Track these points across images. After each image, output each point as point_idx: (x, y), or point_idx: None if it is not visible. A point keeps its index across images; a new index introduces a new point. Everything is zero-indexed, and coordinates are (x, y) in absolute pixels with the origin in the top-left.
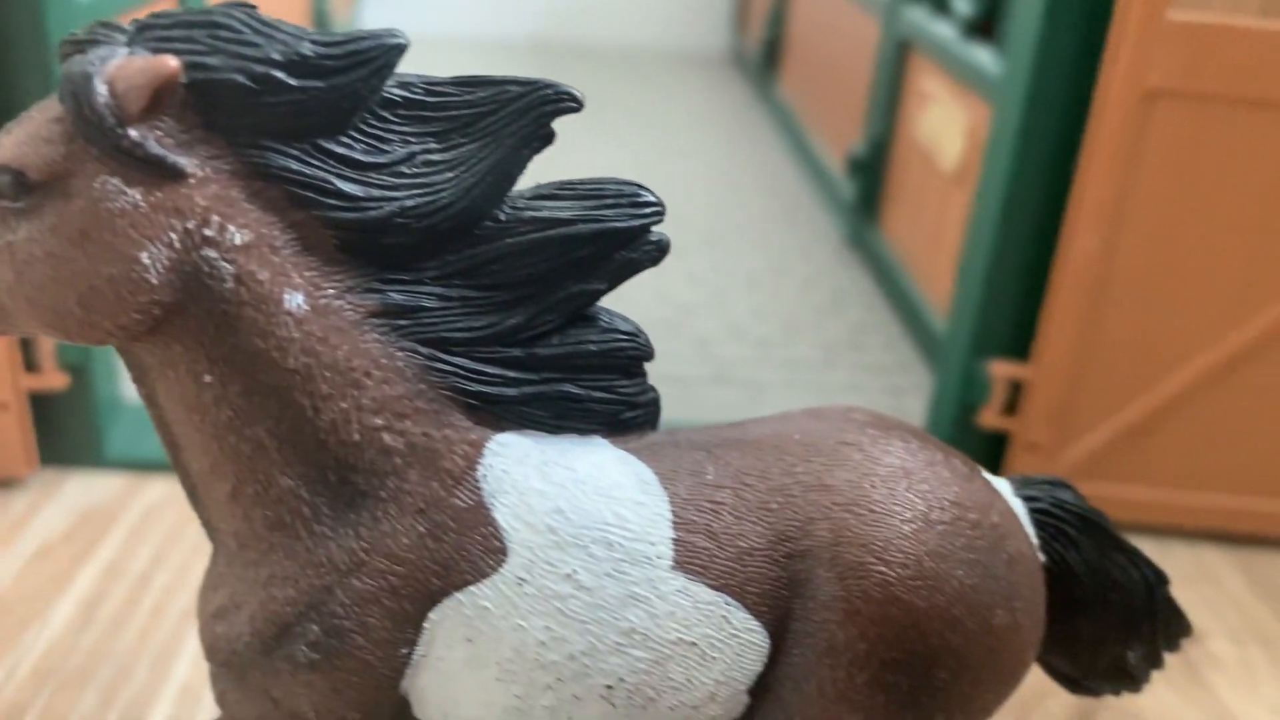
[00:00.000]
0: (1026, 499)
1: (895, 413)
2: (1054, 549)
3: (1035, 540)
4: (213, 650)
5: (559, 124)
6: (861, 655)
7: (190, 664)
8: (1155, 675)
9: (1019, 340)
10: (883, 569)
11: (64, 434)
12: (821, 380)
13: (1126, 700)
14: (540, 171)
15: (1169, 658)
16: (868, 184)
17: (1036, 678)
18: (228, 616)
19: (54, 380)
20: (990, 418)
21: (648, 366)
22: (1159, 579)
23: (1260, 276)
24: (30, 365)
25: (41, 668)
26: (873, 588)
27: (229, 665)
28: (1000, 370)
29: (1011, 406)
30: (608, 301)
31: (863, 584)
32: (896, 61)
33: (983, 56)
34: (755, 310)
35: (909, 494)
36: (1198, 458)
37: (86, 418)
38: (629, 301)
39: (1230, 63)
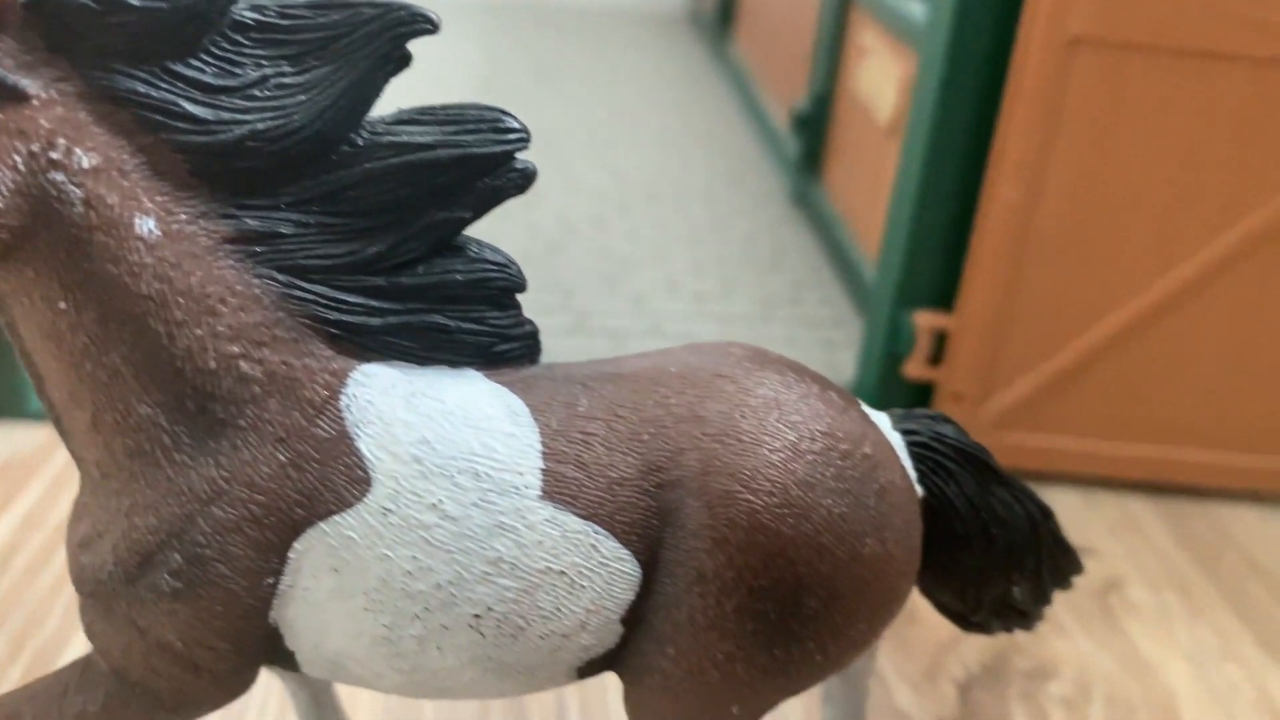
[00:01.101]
0: (905, 432)
1: (827, 366)
2: (933, 482)
3: (913, 473)
4: (79, 580)
5: (510, 84)
6: (730, 583)
7: None
8: (1071, 621)
9: (944, 291)
10: (750, 497)
11: None
12: (756, 334)
13: (1041, 646)
14: None
15: (1088, 606)
16: (811, 140)
17: (950, 625)
18: (92, 546)
19: None
20: (915, 368)
21: (582, 316)
22: (1044, 514)
23: (1182, 227)
24: None
25: None
26: (739, 516)
27: (95, 595)
28: (924, 320)
29: (937, 357)
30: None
31: (730, 512)
32: (838, 16)
33: (915, 8)
34: (695, 266)
35: (779, 424)
36: (1123, 408)
37: (7, 370)
38: (567, 256)
39: (1151, 11)
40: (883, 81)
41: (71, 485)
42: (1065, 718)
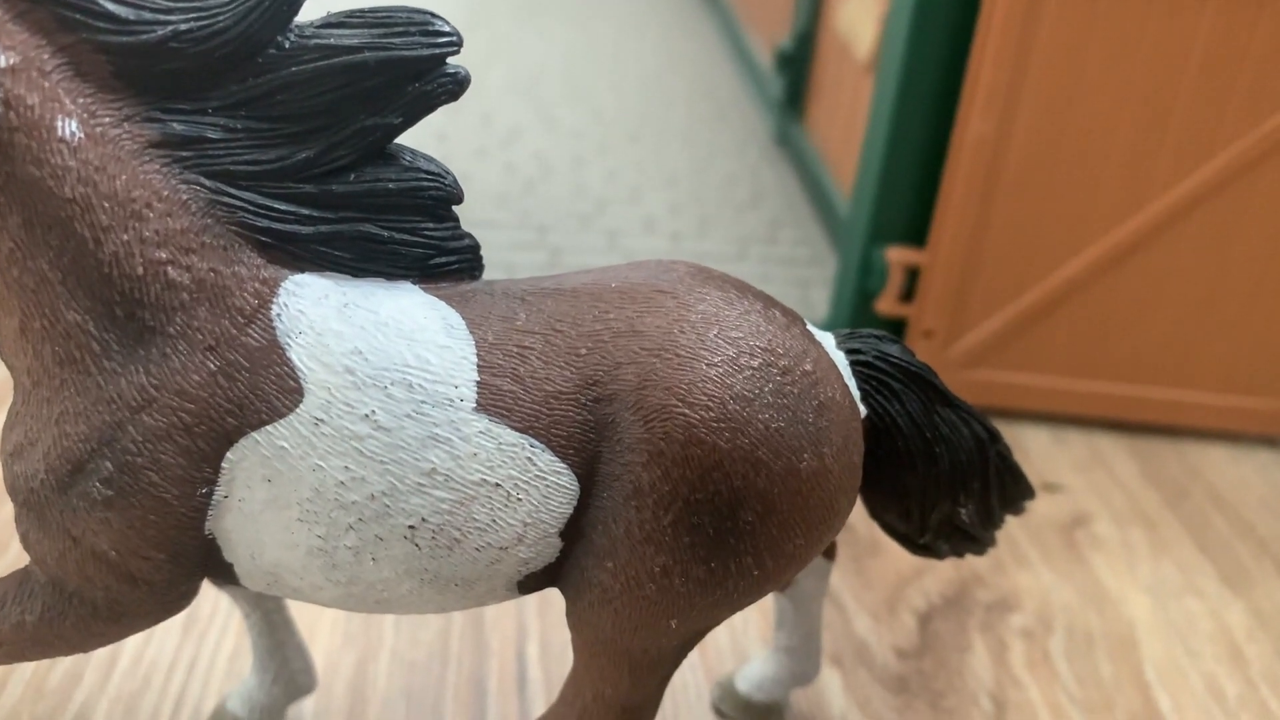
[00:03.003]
0: (850, 351)
1: (801, 304)
2: (877, 401)
3: (856, 392)
4: (13, 489)
5: (491, 24)
6: (666, 496)
7: None
8: (1036, 555)
9: (915, 227)
10: (685, 411)
11: None
12: (729, 272)
13: (1004, 578)
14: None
15: (1054, 540)
16: (794, 79)
17: (912, 557)
18: (24, 454)
19: None
20: (887, 304)
21: (556, 252)
22: (990, 436)
23: (1151, 164)
24: None
25: None
26: (675, 429)
27: (28, 504)
28: (896, 256)
29: (909, 293)
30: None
31: (665, 426)
32: None
33: None
34: (673, 205)
35: (718, 340)
36: (1092, 346)
37: None
38: (544, 195)
39: None
40: (862, 18)
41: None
42: (1024, 648)
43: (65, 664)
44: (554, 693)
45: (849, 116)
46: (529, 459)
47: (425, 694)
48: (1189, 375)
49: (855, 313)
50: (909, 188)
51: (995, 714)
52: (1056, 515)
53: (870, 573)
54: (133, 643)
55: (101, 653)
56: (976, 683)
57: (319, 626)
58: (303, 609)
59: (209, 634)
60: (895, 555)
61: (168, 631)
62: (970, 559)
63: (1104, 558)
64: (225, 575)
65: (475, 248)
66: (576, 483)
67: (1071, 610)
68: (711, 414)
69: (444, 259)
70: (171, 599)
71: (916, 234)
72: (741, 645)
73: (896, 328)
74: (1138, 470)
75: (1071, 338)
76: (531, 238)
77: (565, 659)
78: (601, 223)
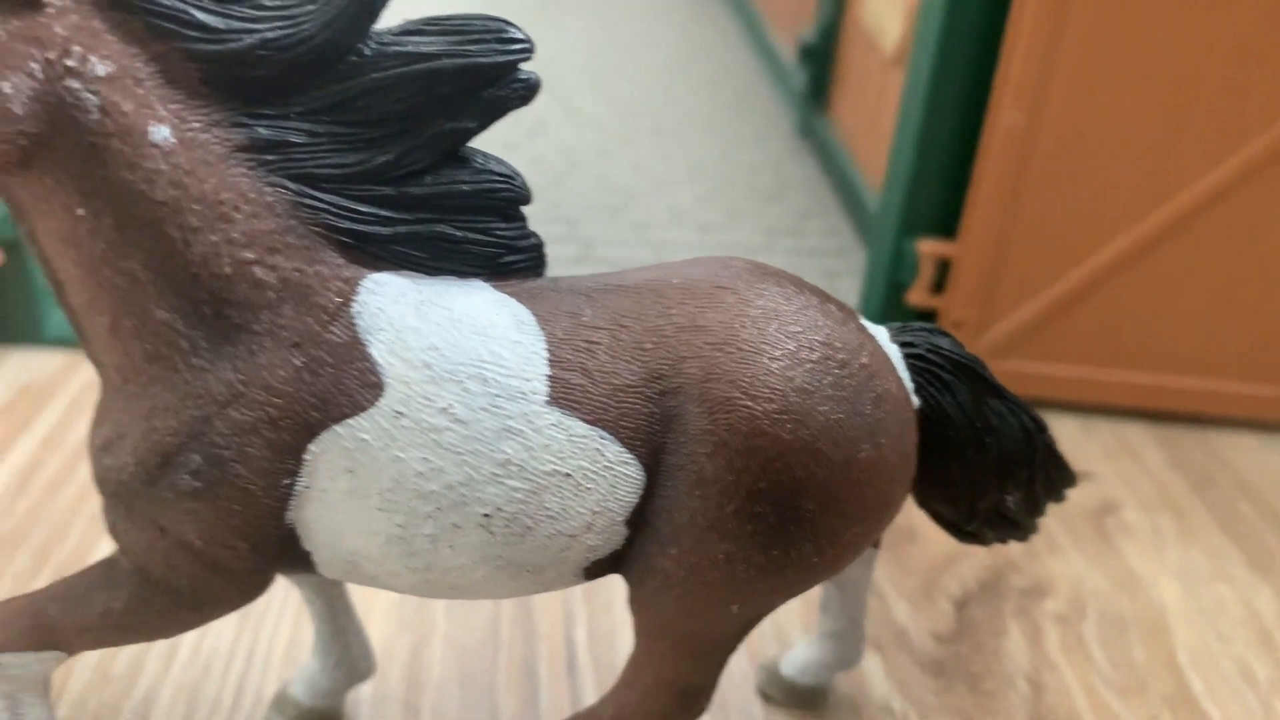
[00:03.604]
0: (902, 344)
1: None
2: (929, 393)
3: (910, 384)
4: (102, 481)
5: (512, 17)
6: (729, 486)
7: None
8: (1067, 541)
9: (946, 219)
10: (749, 403)
11: (2, 312)
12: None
13: (1037, 565)
14: None
15: (1084, 527)
16: (818, 71)
17: (947, 544)
18: (113, 448)
19: None
20: (918, 296)
21: (586, 245)
22: (1037, 426)
23: (1181, 154)
24: None
25: None
26: (739, 421)
27: (117, 496)
28: (927, 248)
29: (939, 285)
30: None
31: (729, 418)
32: None
33: None
34: (699, 197)
35: (779, 334)
36: (1120, 336)
37: (25, 296)
38: (571, 187)
39: None
40: (889, 10)
41: (90, 408)
42: (1058, 633)
43: (128, 652)
44: (603, 676)
45: (875, 109)
46: (598, 450)
47: (478, 678)
48: (1215, 364)
49: (886, 304)
50: (940, 180)
51: (1032, 696)
52: (1086, 503)
53: (907, 560)
54: (192, 632)
55: (162, 641)
56: (1013, 666)
57: (373, 613)
58: (356, 596)
59: (265, 622)
60: (931, 543)
61: (226, 621)
62: (1003, 546)
63: (1133, 544)
64: (302, 563)
65: (540, 246)
66: (643, 473)
67: (1103, 595)
68: (774, 406)
69: (512, 257)
70: (251, 587)
71: (947, 226)
72: (783, 631)
73: (927, 319)
74: (1165, 458)
75: (1099, 328)
76: (562, 231)
77: (612, 643)
78: (629, 215)
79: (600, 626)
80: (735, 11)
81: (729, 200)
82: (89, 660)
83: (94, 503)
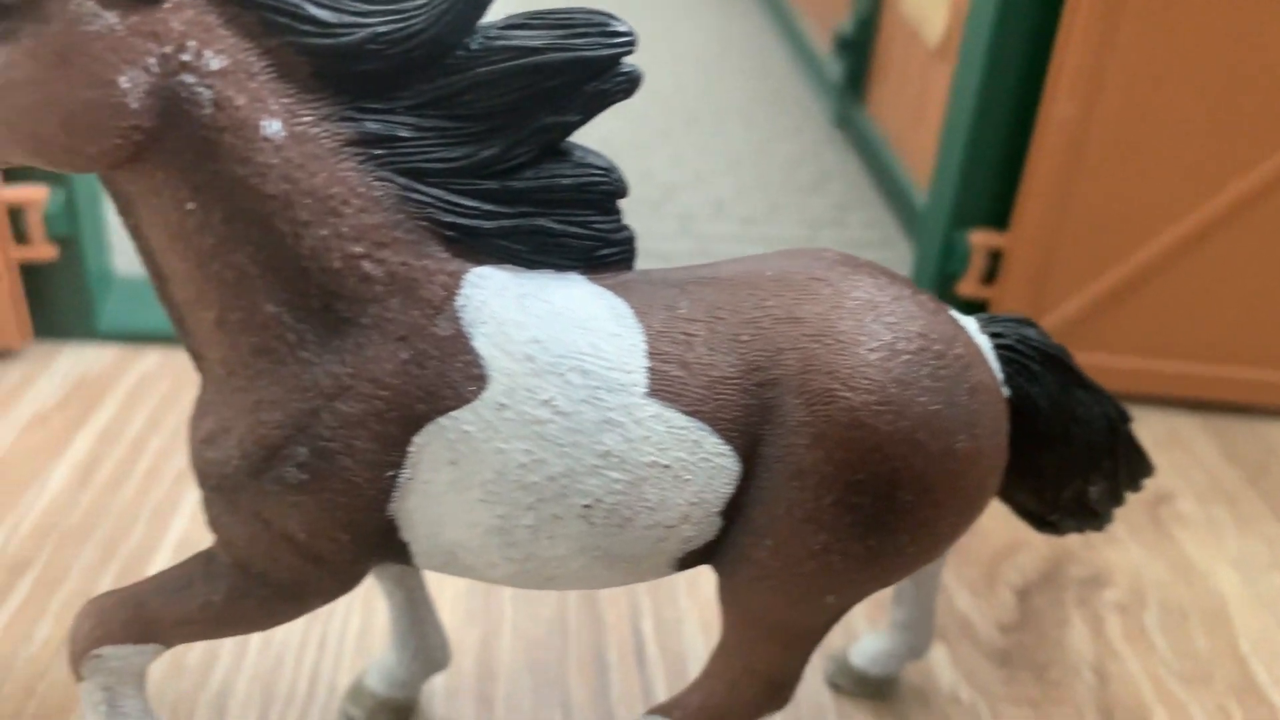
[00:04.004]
0: (992, 335)
1: None
2: (1018, 383)
3: (1000, 375)
4: (204, 475)
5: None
6: (828, 477)
7: (187, 520)
8: (1123, 531)
9: (998, 210)
10: (848, 395)
11: (56, 307)
12: None
13: (1095, 555)
14: None
15: (1139, 517)
16: (855, 63)
17: (1007, 534)
18: (217, 441)
19: (43, 252)
20: (969, 287)
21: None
22: (1121, 416)
23: (1232, 145)
24: (20, 237)
25: (43, 524)
26: (838, 413)
27: (220, 489)
28: (979, 239)
29: (990, 276)
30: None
31: (829, 409)
32: None
33: None
34: (739, 189)
35: (875, 325)
36: (1171, 327)
37: (78, 290)
38: None
39: None
40: (932, 3)
41: (145, 402)
42: (1120, 622)
43: (201, 644)
44: (672, 666)
45: (917, 100)
46: (696, 442)
47: (549, 668)
48: (1266, 355)
49: (936, 295)
50: (991, 171)
51: (1098, 686)
52: (1141, 493)
53: (967, 550)
54: None
55: None
56: (1077, 655)
57: (440, 605)
58: None
59: (335, 614)
60: (989, 533)
61: None
62: (1059, 536)
63: (1190, 534)
64: (399, 554)
65: (633, 239)
66: (739, 464)
67: (1163, 585)
68: (873, 398)
69: (608, 250)
70: (350, 578)
71: (998, 217)
72: (850, 622)
73: (978, 310)
74: (1216, 448)
75: (1149, 318)
76: None
77: (680, 634)
78: (671, 208)
79: (666, 617)
80: (765, 4)
81: (769, 192)
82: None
83: (156, 495)
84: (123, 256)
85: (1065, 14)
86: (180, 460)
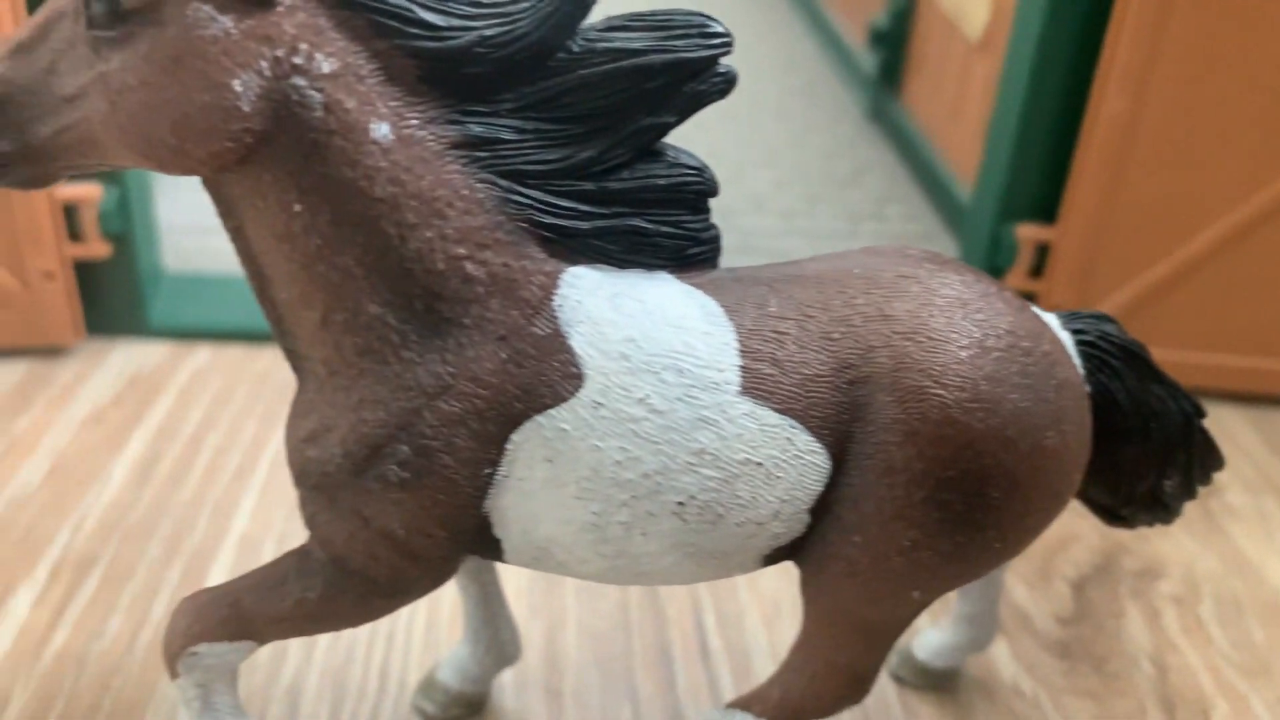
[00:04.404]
0: (1074, 331)
1: None
2: (1099, 379)
3: (1081, 370)
4: (304, 474)
5: None
6: (919, 474)
7: (248, 517)
8: (1175, 524)
9: (1046, 204)
10: (941, 392)
11: (108, 304)
12: (843, 248)
13: (1148, 546)
14: None
15: (1190, 510)
16: (890, 56)
17: (1059, 527)
18: (319, 440)
19: (97, 249)
20: (1017, 280)
21: None
22: (1196, 411)
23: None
24: (74, 235)
25: (106, 521)
26: (931, 410)
27: (320, 488)
28: (1027, 233)
29: (1037, 269)
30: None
31: (921, 407)
32: None
33: None
34: (776, 183)
35: (965, 322)
36: (1214, 319)
37: (130, 288)
38: None
39: None
40: None
41: (199, 399)
42: (1176, 614)
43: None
44: (736, 660)
45: (957, 94)
46: (788, 439)
47: (615, 662)
48: None
49: None
50: (1039, 165)
51: (1158, 678)
52: None
53: None
54: None
55: None
56: (1135, 648)
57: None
58: None
59: (402, 610)
60: None
61: None
62: (1112, 529)
63: (1241, 526)
64: (490, 550)
65: (719, 237)
66: (829, 461)
67: (1217, 577)
68: (965, 395)
69: (696, 249)
70: (443, 574)
71: (1045, 210)
72: None
73: None
74: (1262, 441)
75: (1195, 312)
76: None
77: (741, 628)
78: (712, 202)
79: (728, 611)
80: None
81: (807, 185)
82: None
83: (216, 493)
84: (172, 253)
85: (1116, 9)
86: (238, 457)
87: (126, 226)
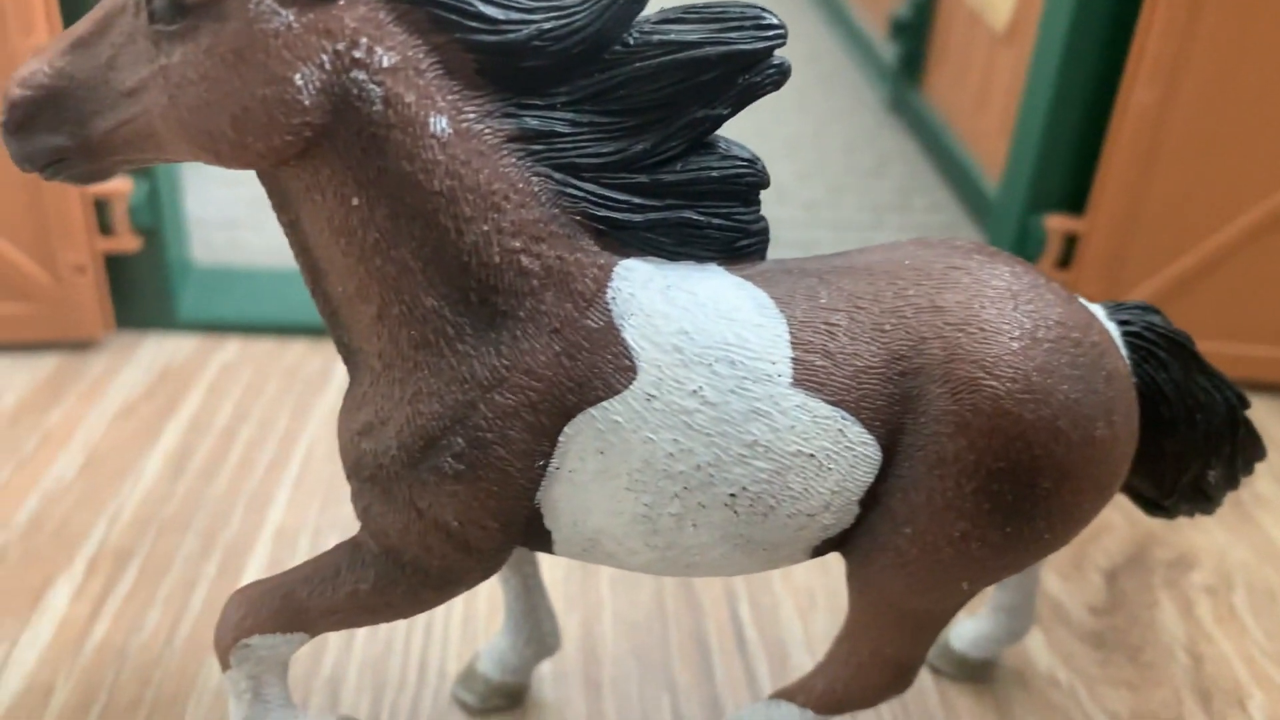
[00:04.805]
0: (1119, 322)
1: None
2: (1144, 370)
3: (1128, 361)
4: (358, 466)
5: None
6: (970, 466)
7: (283, 509)
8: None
9: (1074, 195)
10: (993, 384)
11: (137, 297)
12: (871, 240)
13: (1180, 537)
14: None
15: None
16: (911, 47)
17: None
18: (374, 432)
19: (127, 243)
20: (1044, 271)
21: None
22: (1240, 401)
23: None
24: (104, 228)
25: (141, 515)
26: (983, 401)
27: (374, 480)
28: (1055, 224)
29: (1065, 260)
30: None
31: (974, 398)
32: None
33: None
34: (799, 174)
35: (1016, 313)
36: (1243, 310)
37: (159, 281)
38: None
39: None
40: None
41: (230, 392)
42: (1210, 604)
43: None
44: (772, 651)
45: (981, 85)
46: (840, 431)
47: (652, 653)
48: None
49: None
50: (1067, 156)
51: (1193, 668)
52: None
53: None
54: None
55: None
56: (1170, 637)
57: None
58: None
59: None
60: None
61: None
62: (1144, 519)
63: (1272, 516)
64: (541, 542)
65: (768, 229)
66: (880, 453)
67: (1249, 568)
68: (1017, 386)
69: (746, 241)
70: (494, 565)
71: (1074, 202)
72: None
73: None
74: None
75: (1223, 303)
76: None
77: (777, 619)
78: None
79: (762, 603)
80: None
81: (829, 177)
82: None
83: (250, 486)
84: (201, 247)
85: (1146, 2)
86: (271, 450)
87: (156, 220)
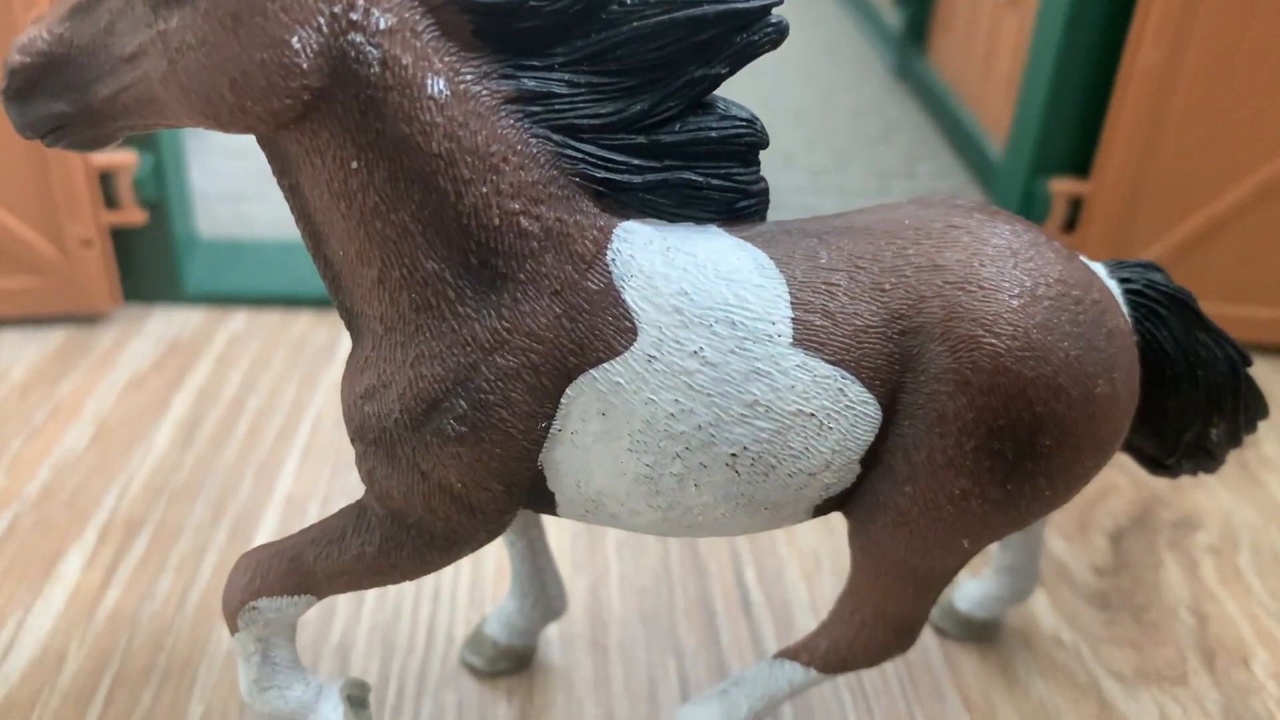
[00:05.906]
0: (1121, 280)
1: None
2: (1146, 327)
3: (1129, 319)
4: (362, 429)
5: None
6: (970, 423)
7: (292, 478)
8: (1210, 475)
9: (1079, 158)
10: (993, 341)
11: (144, 271)
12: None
13: (1185, 497)
14: None
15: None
16: (916, 13)
17: (1097, 479)
18: (377, 396)
19: (133, 216)
20: (1050, 234)
21: None
22: (1242, 358)
23: None
24: (110, 202)
25: (152, 484)
26: (983, 359)
27: (378, 443)
28: (1060, 187)
29: (1070, 223)
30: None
31: (973, 356)
32: None
33: None
34: (805, 141)
35: (1016, 271)
36: (1248, 272)
37: (165, 254)
38: None
39: None
40: None
41: (238, 363)
42: (1214, 564)
43: None
44: (778, 614)
45: (987, 50)
46: (840, 390)
47: (658, 616)
48: None
49: None
50: (1072, 119)
51: (1197, 627)
52: None
53: None
54: None
55: None
56: (1174, 598)
57: None
58: None
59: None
60: None
61: None
62: (1148, 481)
63: (1276, 477)
64: (544, 503)
65: (768, 190)
66: (880, 412)
67: (1254, 528)
68: (1017, 343)
69: (746, 202)
70: (499, 526)
71: (1079, 164)
72: None
73: None
74: None
75: (1229, 265)
76: None
77: (782, 582)
78: None
79: (767, 566)
80: None
81: (836, 143)
82: None
83: (259, 455)
84: (206, 220)
85: None
86: (279, 420)
87: (161, 193)
